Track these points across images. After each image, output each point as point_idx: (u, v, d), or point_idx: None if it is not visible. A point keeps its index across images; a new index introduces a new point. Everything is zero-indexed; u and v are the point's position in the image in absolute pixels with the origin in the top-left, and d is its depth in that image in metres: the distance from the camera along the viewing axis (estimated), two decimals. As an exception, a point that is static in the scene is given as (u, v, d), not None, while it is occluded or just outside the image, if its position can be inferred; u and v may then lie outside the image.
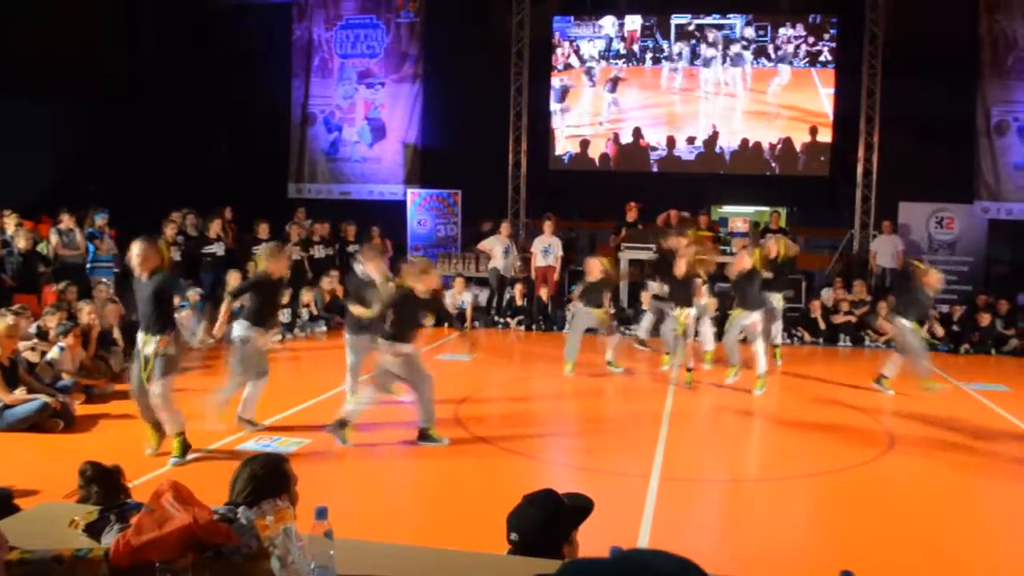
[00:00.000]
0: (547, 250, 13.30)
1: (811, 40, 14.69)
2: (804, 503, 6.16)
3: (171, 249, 6.94)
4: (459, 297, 13.15)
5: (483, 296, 13.64)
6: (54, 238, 10.87)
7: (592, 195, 15.24)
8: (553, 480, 6.29)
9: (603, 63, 15.40)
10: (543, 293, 13.17)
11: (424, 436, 6.94)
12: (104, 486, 3.70)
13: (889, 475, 6.55)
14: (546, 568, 1.39)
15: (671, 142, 15.23)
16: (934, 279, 9.22)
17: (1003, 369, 10.65)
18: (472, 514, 5.51)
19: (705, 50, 15.06)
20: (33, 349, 8.14)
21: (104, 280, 10.91)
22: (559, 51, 15.55)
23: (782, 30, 14.79)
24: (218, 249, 12.55)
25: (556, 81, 15.59)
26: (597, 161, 15.55)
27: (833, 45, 14.65)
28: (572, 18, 15.58)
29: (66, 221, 10.97)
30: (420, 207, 15.34)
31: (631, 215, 13.84)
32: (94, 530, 2.31)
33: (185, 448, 6.36)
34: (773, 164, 14.98)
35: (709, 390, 9.18)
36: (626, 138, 15.41)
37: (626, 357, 10.63)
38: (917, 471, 6.66)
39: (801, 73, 14.80)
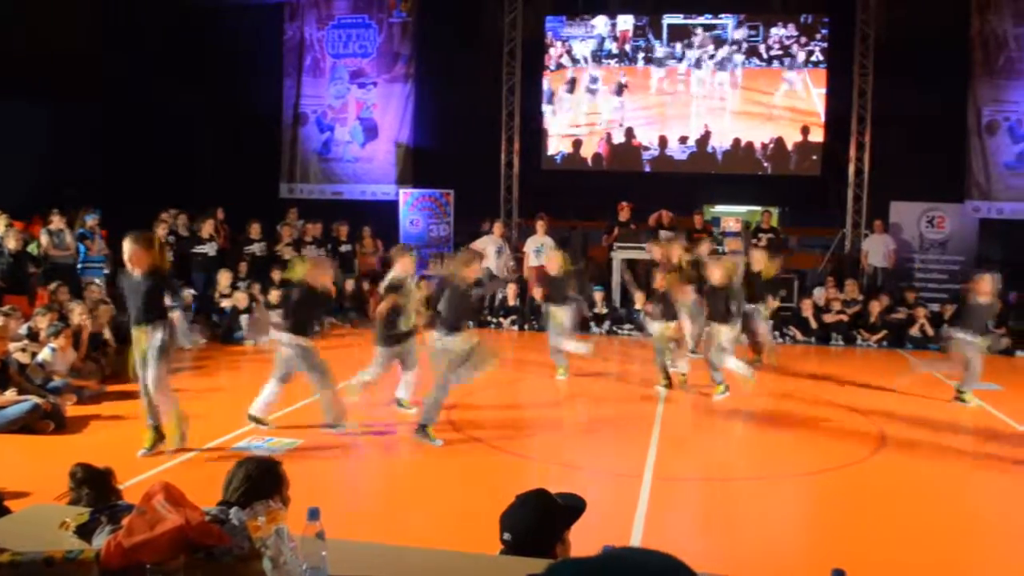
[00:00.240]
0: (540, 250, 13.29)
1: (803, 40, 14.73)
2: (796, 502, 6.18)
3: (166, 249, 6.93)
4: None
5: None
6: (44, 239, 10.84)
7: (585, 195, 15.24)
8: (546, 480, 6.29)
9: (595, 64, 15.41)
10: (536, 293, 13.14)
11: (422, 431, 6.96)
12: (95, 488, 3.68)
13: (881, 474, 6.57)
14: (539, 568, 1.39)
15: (663, 142, 15.25)
16: (985, 285, 8.80)
17: (994, 368, 10.67)
18: (465, 514, 5.50)
19: (697, 50, 15.08)
20: (24, 350, 8.11)
21: (96, 281, 10.87)
22: (551, 51, 15.55)
23: (774, 30, 14.82)
24: (210, 249, 12.52)
25: (547, 81, 15.60)
26: (590, 161, 15.56)
27: (825, 45, 14.69)
28: (564, 18, 15.59)
29: (56, 222, 10.94)
30: (412, 207, 15.32)
31: (623, 215, 13.86)
32: (85, 532, 2.30)
33: (180, 436, 6.52)
34: (765, 164, 15.01)
35: (705, 389, 9.18)
36: (618, 138, 15.42)
37: (608, 356, 10.63)
38: (909, 470, 6.67)
39: (793, 73, 14.82)
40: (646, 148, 15.35)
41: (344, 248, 14.04)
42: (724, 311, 8.63)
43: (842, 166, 14.97)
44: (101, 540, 2.17)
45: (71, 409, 7.61)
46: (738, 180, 15.19)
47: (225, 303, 11.66)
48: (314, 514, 2.05)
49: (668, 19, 15.15)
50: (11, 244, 10.33)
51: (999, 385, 9.63)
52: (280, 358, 7.15)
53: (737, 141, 15.03)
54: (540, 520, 2.64)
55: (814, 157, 14.90)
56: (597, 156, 15.54)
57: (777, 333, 12.50)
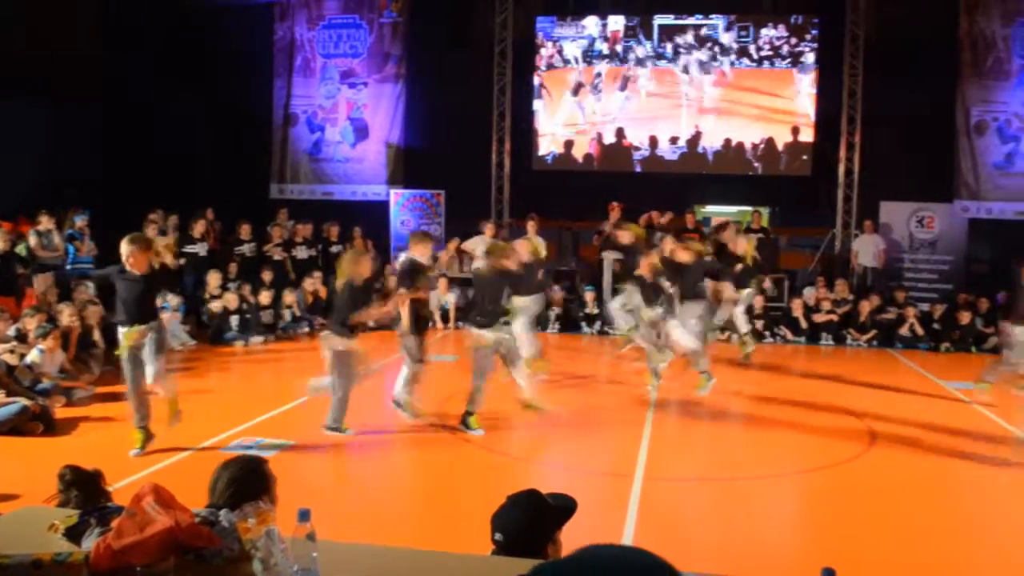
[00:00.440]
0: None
1: (793, 41, 14.77)
2: (787, 501, 6.20)
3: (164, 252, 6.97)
4: (443, 297, 13.13)
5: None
6: (33, 239, 10.77)
7: (575, 195, 15.25)
8: (537, 480, 6.29)
9: (586, 64, 15.43)
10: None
11: (465, 422, 7.25)
12: (84, 490, 3.66)
13: (871, 473, 6.59)
14: (529, 569, 1.39)
15: (654, 142, 15.27)
16: None
17: (983, 367, 10.72)
18: (456, 514, 5.50)
19: (687, 50, 15.11)
20: (12, 352, 8.07)
21: (85, 282, 10.80)
22: (542, 51, 15.55)
23: (764, 30, 14.86)
24: (201, 249, 12.48)
25: (538, 80, 15.60)
26: (580, 161, 15.57)
27: (815, 46, 14.73)
28: (555, 18, 15.59)
29: (45, 222, 10.87)
30: (403, 207, 15.31)
31: (614, 215, 13.86)
32: (74, 534, 2.29)
33: (176, 413, 6.79)
34: (756, 164, 15.04)
35: (692, 389, 9.19)
36: (609, 138, 15.44)
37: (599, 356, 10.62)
38: (899, 468, 6.70)
39: (783, 73, 14.87)
40: (637, 148, 15.36)
41: (335, 249, 13.99)
42: (692, 290, 8.88)
43: (832, 166, 15.01)
44: (90, 542, 2.17)
45: (60, 411, 7.57)
46: (729, 180, 15.22)
47: (215, 304, 11.63)
48: (304, 515, 2.05)
49: (659, 20, 15.17)
50: (-1, 245, 10.27)
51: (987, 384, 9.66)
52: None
53: (728, 141, 15.06)
54: (531, 520, 2.64)
55: (804, 157, 14.94)
56: (588, 156, 15.55)
57: (767, 333, 12.57)
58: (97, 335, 9.35)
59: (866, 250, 13.97)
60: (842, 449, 7.09)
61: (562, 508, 2.72)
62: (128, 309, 6.49)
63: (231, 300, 11.51)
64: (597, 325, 12.90)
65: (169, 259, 6.93)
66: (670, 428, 7.79)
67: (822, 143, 14.93)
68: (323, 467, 6.50)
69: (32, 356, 8.08)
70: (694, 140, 15.16)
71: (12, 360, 7.94)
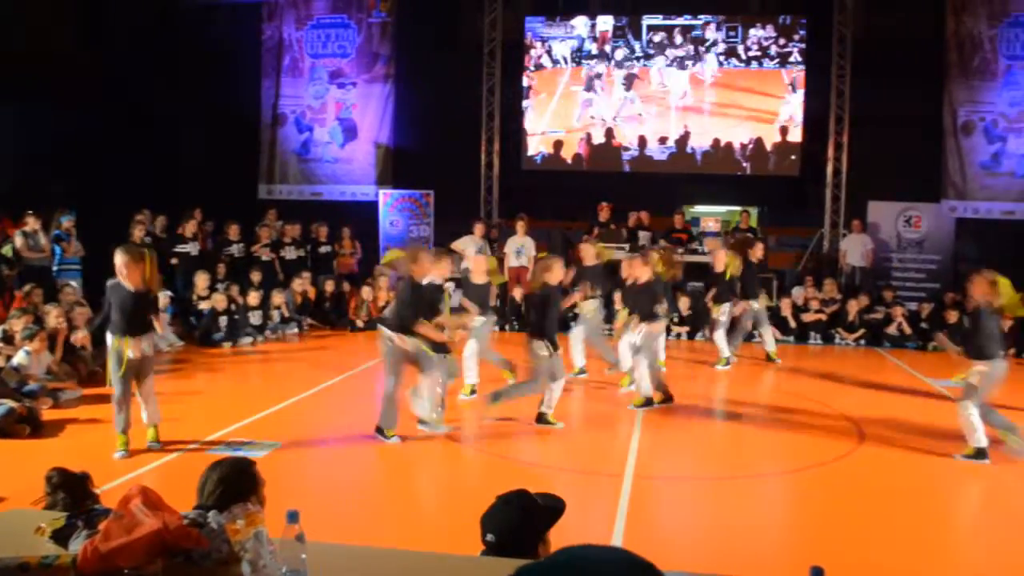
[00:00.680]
0: (520, 251, 13.29)
1: (781, 41, 14.82)
2: (776, 500, 6.21)
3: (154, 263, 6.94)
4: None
5: (456, 297, 13.59)
6: (19, 240, 10.70)
7: (565, 195, 15.27)
8: (527, 480, 6.27)
9: (575, 64, 15.45)
10: (516, 293, 13.16)
11: (542, 419, 7.48)
12: (71, 493, 3.64)
13: (860, 471, 6.61)
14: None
15: (643, 142, 15.30)
16: None
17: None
18: (445, 515, 5.50)
19: (676, 51, 15.14)
20: (-2, 353, 8.02)
21: (71, 283, 10.75)
22: (531, 52, 15.56)
23: (752, 31, 14.90)
24: (192, 249, 12.44)
25: (527, 80, 15.61)
26: (570, 161, 15.58)
27: (803, 46, 14.79)
28: (544, 18, 15.60)
29: (31, 223, 10.80)
30: (392, 208, 15.29)
31: (603, 215, 13.89)
32: (61, 537, 2.27)
33: (156, 440, 6.69)
34: (744, 164, 15.09)
35: (684, 389, 9.21)
36: (598, 138, 15.45)
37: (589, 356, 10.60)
38: (887, 467, 6.72)
39: (771, 74, 14.92)
40: (626, 148, 15.38)
41: (323, 249, 13.99)
42: (648, 310, 8.38)
43: (820, 166, 15.07)
44: (78, 545, 2.15)
45: (47, 413, 7.52)
46: (718, 180, 15.26)
47: (203, 305, 11.58)
48: (293, 517, 2.04)
49: (647, 20, 15.20)
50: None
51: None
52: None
53: (716, 142, 15.10)
54: (523, 520, 2.63)
55: (793, 157, 14.99)
56: (577, 157, 15.57)
57: (756, 333, 12.58)
58: (85, 336, 9.29)
59: (854, 250, 14.04)
60: (831, 448, 7.11)
61: (551, 508, 2.72)
62: (120, 321, 6.47)
63: (220, 301, 11.47)
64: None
65: (155, 286, 6.87)
66: (660, 427, 7.79)
67: (810, 143, 14.99)
68: (311, 468, 6.48)
69: (19, 358, 8.02)
70: (683, 140, 15.19)
71: (-2, 362, 7.90)
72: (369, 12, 15.71)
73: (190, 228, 12.48)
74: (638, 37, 15.23)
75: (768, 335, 10.99)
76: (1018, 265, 12.63)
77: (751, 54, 14.93)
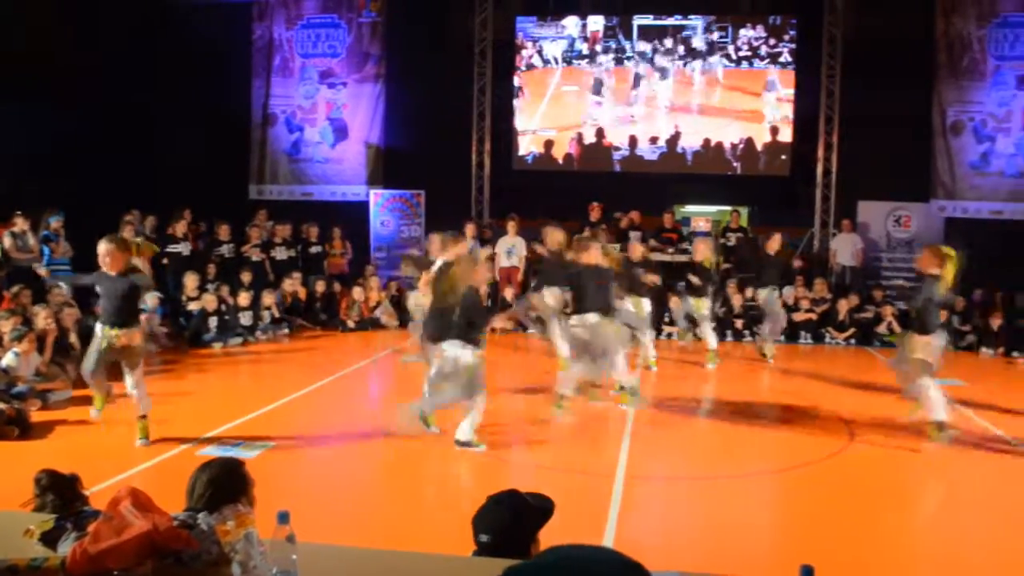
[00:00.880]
0: (511, 250, 13.30)
1: (771, 41, 14.86)
2: (766, 499, 6.22)
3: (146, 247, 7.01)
4: (422, 299, 13.06)
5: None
6: (7, 241, 10.64)
7: (556, 195, 15.25)
8: (517, 480, 6.28)
9: (566, 64, 15.45)
10: (508, 293, 13.15)
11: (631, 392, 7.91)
12: (60, 495, 3.61)
13: (850, 470, 6.64)
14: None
15: (633, 142, 15.32)
16: None
17: (959, 364, 10.84)
18: (436, 515, 5.49)
19: (667, 51, 15.16)
20: (-13, 354, 7.98)
21: (60, 284, 10.69)
22: (523, 52, 15.56)
23: (743, 31, 14.94)
24: (184, 249, 12.40)
25: (518, 79, 15.61)
26: (561, 161, 15.59)
27: (793, 46, 14.83)
28: (535, 18, 15.60)
29: (19, 224, 10.75)
30: (383, 208, 15.27)
31: (594, 215, 13.90)
32: (50, 539, 2.26)
33: (145, 436, 6.71)
34: (735, 164, 15.12)
35: (676, 388, 9.23)
36: (589, 138, 15.46)
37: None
38: (877, 465, 6.75)
39: (762, 74, 14.96)
40: (617, 148, 15.40)
41: (314, 249, 13.96)
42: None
43: (810, 166, 15.12)
44: (67, 547, 2.14)
45: (36, 414, 7.48)
46: (708, 180, 15.29)
47: (193, 305, 11.54)
48: (284, 517, 2.03)
49: (638, 20, 15.22)
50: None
51: (963, 381, 9.77)
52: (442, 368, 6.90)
53: (707, 141, 15.13)
54: (515, 520, 2.63)
55: (783, 157, 15.03)
56: (568, 156, 15.57)
57: (747, 332, 12.64)
58: (74, 338, 9.25)
59: (844, 249, 14.10)
60: (821, 446, 7.13)
61: (541, 509, 2.73)
62: (106, 309, 6.58)
63: (210, 302, 11.43)
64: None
65: (143, 263, 6.89)
66: (651, 427, 7.80)
67: (801, 143, 15.04)
68: (302, 469, 6.46)
69: (7, 359, 7.98)
70: (673, 140, 15.22)
71: (-13, 363, 7.85)
72: (359, 12, 15.68)
73: (180, 228, 12.44)
74: (629, 37, 15.25)
75: (767, 329, 11.12)
76: (1006, 264, 12.75)
77: (742, 54, 14.96)
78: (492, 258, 13.69)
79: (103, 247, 6.45)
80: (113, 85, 13.72)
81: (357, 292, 13.00)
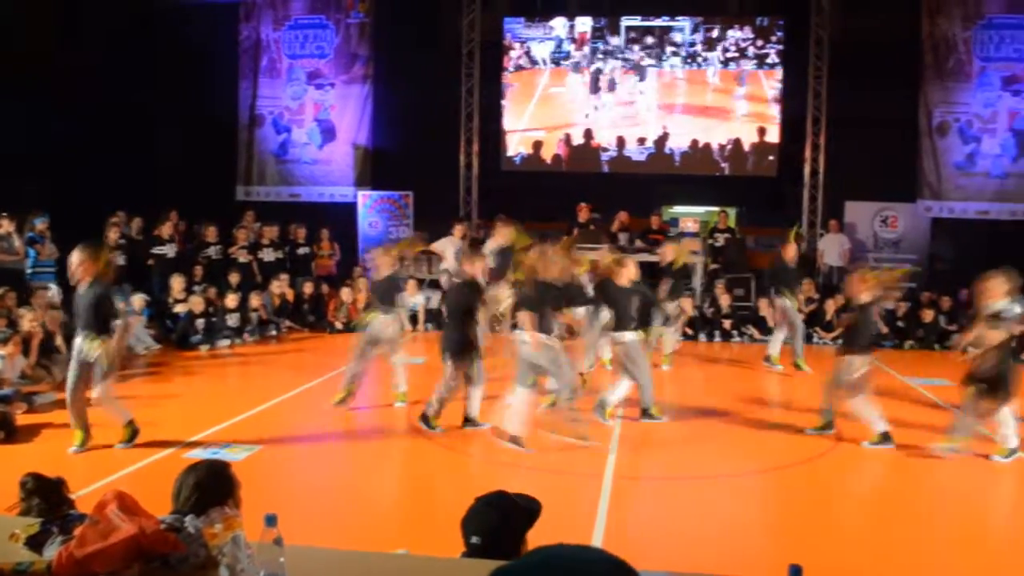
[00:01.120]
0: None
1: (759, 42, 14.91)
2: (754, 499, 6.24)
3: (113, 255, 6.94)
4: (411, 299, 13.06)
5: (436, 299, 13.58)
6: (-8, 243, 10.58)
7: (544, 196, 15.26)
8: (506, 481, 6.27)
9: (554, 65, 15.47)
10: (497, 295, 13.14)
11: (647, 414, 7.84)
12: (46, 498, 3.59)
13: (837, 470, 6.67)
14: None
15: (621, 143, 15.35)
16: None
17: (946, 364, 10.89)
18: (425, 517, 5.48)
19: (654, 52, 15.19)
20: (-28, 357, 7.92)
21: (50, 286, 10.62)
22: (511, 53, 15.56)
23: (730, 32, 14.99)
24: (169, 251, 12.33)
25: (506, 80, 15.62)
26: (549, 162, 15.60)
27: (780, 47, 14.89)
28: (523, 19, 15.61)
29: (4, 225, 10.67)
30: (371, 209, 15.24)
31: (583, 216, 13.91)
32: (36, 543, 2.24)
33: (134, 434, 6.65)
34: (723, 165, 15.17)
35: (668, 388, 9.23)
36: (577, 139, 15.48)
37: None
38: (864, 465, 6.78)
39: (749, 75, 15.01)
40: (605, 149, 15.43)
41: (302, 251, 13.91)
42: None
43: (798, 167, 15.18)
44: (53, 551, 2.13)
45: (21, 417, 7.42)
46: (696, 181, 15.33)
47: (179, 308, 11.48)
48: (271, 520, 2.02)
49: (626, 21, 15.25)
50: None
51: (949, 380, 9.79)
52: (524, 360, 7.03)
53: (695, 142, 15.18)
54: (503, 521, 2.63)
55: (771, 158, 15.09)
56: (556, 157, 15.59)
57: (735, 332, 12.67)
58: (59, 340, 9.19)
59: (831, 249, 14.16)
60: (808, 447, 7.16)
61: (528, 510, 2.73)
62: (78, 318, 6.54)
63: (197, 303, 11.38)
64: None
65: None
66: (639, 427, 7.81)
67: (788, 144, 15.10)
68: (290, 472, 6.44)
69: (-8, 362, 7.93)
70: (661, 141, 15.25)
71: (-29, 366, 7.80)
72: (347, 13, 15.65)
73: (166, 230, 12.38)
74: (616, 38, 15.27)
75: (797, 343, 10.78)
76: (992, 264, 12.77)
77: (729, 55, 15.01)
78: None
79: (75, 256, 6.41)
80: (100, 86, 13.65)
81: (345, 293, 12.96)
